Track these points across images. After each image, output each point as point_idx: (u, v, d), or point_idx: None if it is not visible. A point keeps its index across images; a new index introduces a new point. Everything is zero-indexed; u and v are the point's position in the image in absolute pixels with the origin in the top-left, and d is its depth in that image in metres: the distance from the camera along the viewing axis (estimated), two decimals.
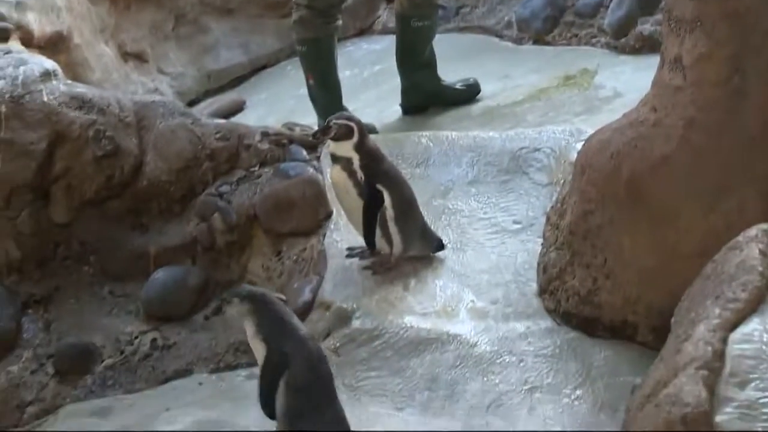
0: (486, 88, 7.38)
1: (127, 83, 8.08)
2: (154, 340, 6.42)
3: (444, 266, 6.04)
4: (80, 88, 6.89)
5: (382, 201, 5.97)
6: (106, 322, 6.55)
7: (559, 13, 8.02)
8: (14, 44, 7.22)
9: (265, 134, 6.75)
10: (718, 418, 3.45)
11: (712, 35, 5.19)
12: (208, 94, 8.60)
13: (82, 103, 6.71)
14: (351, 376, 5.69)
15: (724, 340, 3.62)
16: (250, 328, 5.31)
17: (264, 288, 5.71)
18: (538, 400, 5.37)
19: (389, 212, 5.97)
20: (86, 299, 6.66)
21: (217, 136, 6.73)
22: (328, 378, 5.28)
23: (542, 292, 5.81)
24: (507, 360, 5.56)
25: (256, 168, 6.65)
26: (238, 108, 8.24)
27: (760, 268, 3.80)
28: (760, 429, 3.43)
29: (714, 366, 3.55)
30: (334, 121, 6.05)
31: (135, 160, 6.69)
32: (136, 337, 6.45)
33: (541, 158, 6.37)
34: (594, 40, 7.78)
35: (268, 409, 5.26)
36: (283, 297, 6.17)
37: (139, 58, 8.40)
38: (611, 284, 5.51)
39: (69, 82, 6.93)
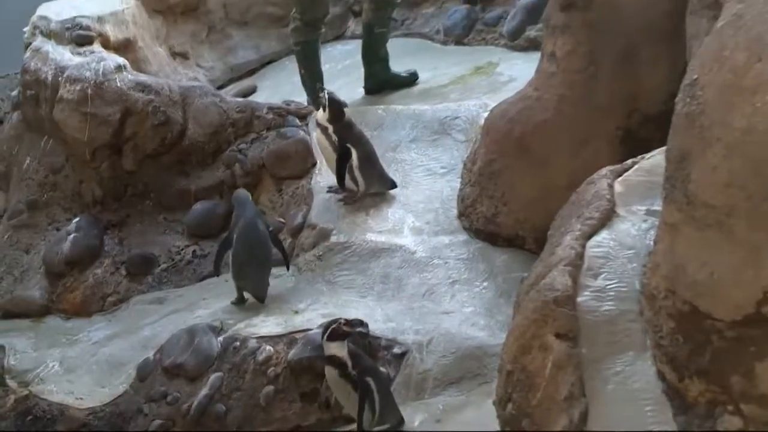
0: (422, 76, 7.29)
1: (175, 74, 7.97)
2: (194, 251, 6.41)
3: (394, 199, 6.00)
4: (142, 77, 6.82)
5: (350, 155, 5.93)
6: (161, 239, 6.53)
7: (473, 23, 7.89)
8: (96, 47, 7.13)
9: (270, 108, 6.69)
10: (579, 299, 3.46)
11: (576, 37, 5.21)
12: (231, 81, 8.48)
13: (143, 88, 6.64)
14: (330, 275, 5.70)
15: (583, 246, 3.61)
16: None
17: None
18: (457, 290, 5.40)
19: (355, 163, 5.93)
20: (148, 223, 6.63)
21: (237, 109, 6.67)
22: (263, 260, 5.58)
23: (460, 215, 5.80)
24: (436, 262, 5.57)
25: (264, 132, 6.59)
26: (251, 91, 8.15)
27: (608, 196, 3.80)
28: (607, 309, 3.44)
29: (576, 263, 3.55)
30: (322, 94, 6.05)
31: (180, 126, 6.62)
32: (182, 249, 6.43)
33: (460, 123, 6.32)
34: (496, 42, 7.68)
35: (215, 270, 5.86)
36: (283, 220, 6.17)
37: (183, 56, 8.29)
38: (507, 210, 5.52)
39: (134, 73, 6.85)
